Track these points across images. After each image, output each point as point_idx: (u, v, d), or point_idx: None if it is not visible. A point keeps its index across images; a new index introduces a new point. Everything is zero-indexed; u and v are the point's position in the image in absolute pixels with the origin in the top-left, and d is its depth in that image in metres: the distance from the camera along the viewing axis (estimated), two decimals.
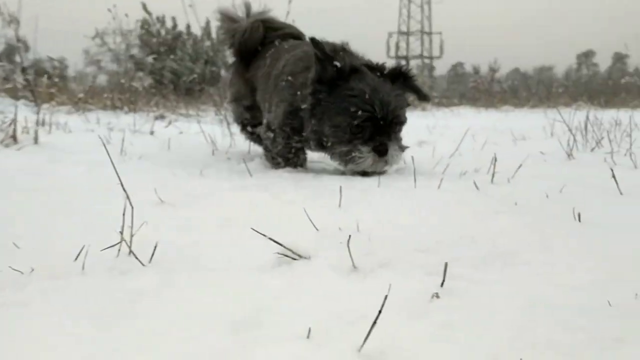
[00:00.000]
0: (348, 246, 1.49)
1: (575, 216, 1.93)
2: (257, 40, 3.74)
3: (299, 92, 3.00)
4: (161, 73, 15.39)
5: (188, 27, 16.60)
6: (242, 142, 4.28)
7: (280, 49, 3.52)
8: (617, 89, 17.66)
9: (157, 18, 16.37)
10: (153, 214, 1.95)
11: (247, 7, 3.89)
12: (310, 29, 3.82)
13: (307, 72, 2.96)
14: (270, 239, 1.55)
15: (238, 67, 3.92)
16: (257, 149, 4.21)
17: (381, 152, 2.82)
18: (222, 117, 8.37)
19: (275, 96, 3.17)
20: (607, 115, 7.47)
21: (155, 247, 1.53)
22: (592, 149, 3.90)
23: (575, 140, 3.91)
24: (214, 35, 16.24)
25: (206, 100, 11.24)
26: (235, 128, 4.21)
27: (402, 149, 2.95)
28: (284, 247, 1.55)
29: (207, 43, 16.46)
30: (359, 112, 2.76)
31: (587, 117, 4.46)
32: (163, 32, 16.35)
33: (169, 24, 16.38)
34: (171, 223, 1.89)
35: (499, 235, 1.73)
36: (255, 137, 3.85)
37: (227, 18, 3.92)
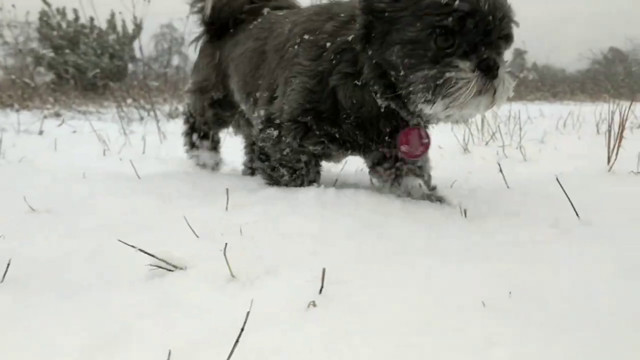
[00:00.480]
0: (225, 254, 1.40)
1: (461, 211, 1.94)
2: (237, 7, 2.79)
3: (325, 52, 2.07)
4: (64, 68, 14.57)
5: (91, 19, 15.80)
6: (137, 141, 4.08)
7: (273, 18, 2.59)
8: (517, 84, 18.56)
9: (57, 10, 15.49)
10: (21, 224, 1.78)
11: None
12: None
13: (333, 23, 2.12)
14: (140, 249, 1.44)
15: (207, 46, 2.96)
16: (153, 149, 4.03)
17: (491, 69, 1.77)
18: (124, 114, 8.10)
19: (282, 73, 2.23)
20: (506, 108, 7.83)
21: (9, 264, 1.37)
22: (487, 143, 4.02)
23: (471, 134, 4.02)
24: (119, 28, 15.58)
25: (109, 96, 10.75)
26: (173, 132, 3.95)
27: (513, 78, 1.91)
28: (156, 257, 1.44)
29: (113, 36, 15.74)
30: (454, 4, 1.73)
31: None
32: (64, 24, 15.47)
33: (70, 16, 15.53)
34: (39, 234, 1.73)
35: (388, 237, 1.69)
36: (209, 152, 3.08)
37: None
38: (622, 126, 2.81)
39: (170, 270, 1.44)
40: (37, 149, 3.73)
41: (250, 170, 3.01)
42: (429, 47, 1.78)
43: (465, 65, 1.76)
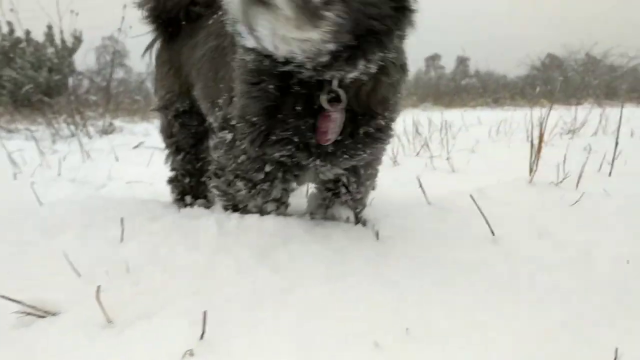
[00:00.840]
0: (98, 298, 1.26)
1: (373, 233, 1.85)
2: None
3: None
4: None
5: (27, 32, 15.25)
6: (55, 162, 3.85)
7: None
8: (459, 90, 18.90)
9: None
10: None
11: None
12: None
13: None
14: (3, 296, 1.28)
15: (163, 53, 2.52)
16: (72, 171, 3.81)
17: None
18: (55, 131, 7.77)
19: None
20: (448, 115, 7.91)
21: None
22: (418, 153, 3.98)
23: (402, 145, 3.97)
24: (57, 40, 15.06)
25: (46, 111, 10.31)
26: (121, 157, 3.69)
27: None
28: (24, 304, 1.29)
29: (51, 49, 15.20)
30: None
31: (414, 121, 4.57)
32: None
33: (4, 29, 14.93)
34: None
35: (285, 269, 1.58)
36: (192, 173, 2.49)
37: None
38: (541, 138, 2.80)
39: (41, 316, 1.30)
40: None
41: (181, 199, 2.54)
42: None
43: None
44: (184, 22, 2.40)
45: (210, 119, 2.23)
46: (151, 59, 2.60)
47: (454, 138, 4.55)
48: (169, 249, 1.64)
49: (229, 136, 1.86)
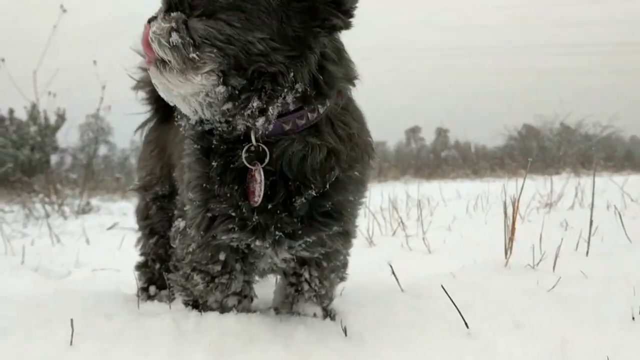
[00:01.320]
0: None
1: (342, 329, 1.75)
2: None
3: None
4: None
5: (11, 111, 15.35)
6: (27, 246, 3.72)
7: None
8: (439, 162, 19.18)
9: None
10: None
11: None
12: None
13: None
14: None
15: (151, 132, 2.53)
16: (37, 257, 3.69)
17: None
18: (29, 211, 7.63)
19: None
20: (428, 188, 7.94)
21: None
22: (394, 233, 3.92)
23: (378, 224, 3.91)
24: (41, 120, 15.14)
25: (20, 191, 10.18)
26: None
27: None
28: None
29: (34, 128, 15.22)
30: None
31: (390, 199, 4.53)
32: None
33: None
34: None
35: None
36: (163, 258, 2.37)
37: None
38: (514, 216, 2.76)
39: None
40: None
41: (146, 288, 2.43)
42: None
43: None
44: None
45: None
46: (139, 136, 2.59)
47: (431, 214, 4.51)
48: (119, 355, 1.52)
49: (182, 224, 1.80)
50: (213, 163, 1.61)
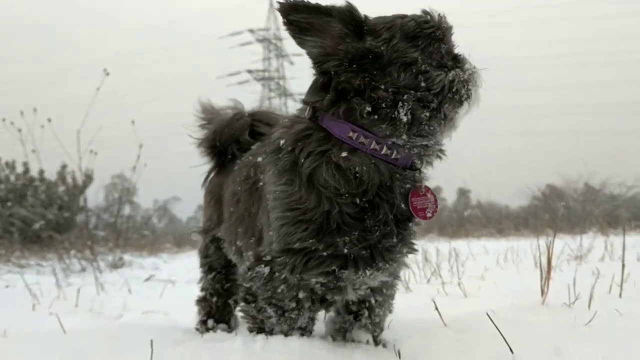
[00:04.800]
0: None
1: (395, 353, 1.89)
2: (236, 131, 2.63)
3: (282, 150, 1.89)
4: (9, 221, 14.27)
5: (41, 172, 15.87)
6: (73, 294, 3.91)
7: (248, 155, 2.42)
8: (462, 221, 19.15)
9: (7, 163, 15.53)
10: None
11: (237, 102, 2.86)
12: None
13: (278, 130, 1.98)
14: None
15: (210, 183, 2.82)
16: (88, 302, 3.88)
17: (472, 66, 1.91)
18: (65, 265, 7.86)
19: (261, 206, 2.04)
20: (454, 245, 8.02)
21: None
22: (429, 280, 4.04)
23: (412, 272, 4.04)
24: (69, 179, 15.60)
25: (52, 248, 10.48)
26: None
27: None
28: None
29: (62, 188, 15.71)
30: (432, 19, 1.86)
31: (421, 250, 4.67)
32: (13, 177, 15.44)
33: (19, 169, 15.54)
34: None
35: None
36: (220, 293, 2.64)
37: (207, 108, 2.88)
38: (549, 260, 2.89)
39: None
40: None
41: (204, 322, 2.64)
42: (433, 58, 1.81)
43: (467, 64, 1.88)
44: (229, 157, 2.67)
45: (230, 256, 2.48)
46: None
47: (462, 266, 4.62)
48: None
49: (266, 270, 1.93)
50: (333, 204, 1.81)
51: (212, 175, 2.82)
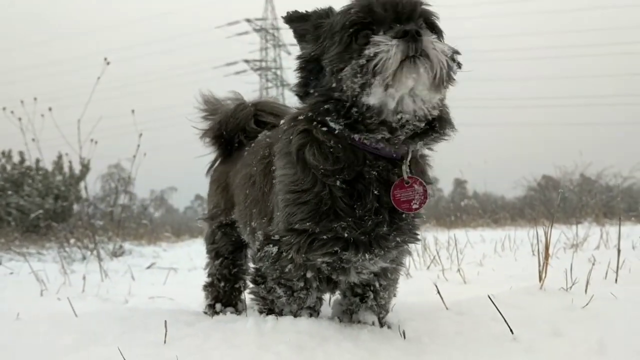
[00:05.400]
0: None
1: (400, 333, 1.97)
2: (242, 120, 2.74)
3: (285, 137, 2.03)
4: (5, 210, 14.30)
5: (37, 161, 15.87)
6: (78, 281, 3.97)
7: (260, 140, 2.49)
8: (459, 211, 19.25)
9: (3, 153, 15.54)
10: None
11: (237, 94, 2.97)
12: None
13: (286, 120, 2.11)
14: None
15: (215, 171, 2.92)
16: (93, 288, 3.94)
17: (408, 32, 1.68)
18: (66, 254, 7.91)
19: (272, 190, 2.11)
20: (451, 235, 8.09)
21: None
22: (428, 267, 4.12)
23: (412, 259, 4.11)
24: (66, 169, 15.63)
25: (52, 237, 10.53)
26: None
27: (452, 51, 1.79)
28: None
29: (59, 177, 15.73)
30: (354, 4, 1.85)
31: (422, 238, 4.74)
32: (9, 167, 15.45)
33: (16, 158, 15.55)
34: None
35: None
36: (227, 278, 2.71)
37: (210, 100, 2.97)
38: (547, 247, 2.96)
39: None
40: None
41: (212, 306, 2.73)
42: (352, 47, 1.80)
43: (381, 37, 1.73)
44: (235, 146, 2.77)
45: (243, 236, 2.53)
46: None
47: (461, 253, 4.69)
48: (213, 348, 1.75)
49: (274, 249, 2.02)
50: (332, 185, 1.90)
51: (216, 164, 2.91)
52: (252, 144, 2.55)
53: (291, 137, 1.98)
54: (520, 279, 3.31)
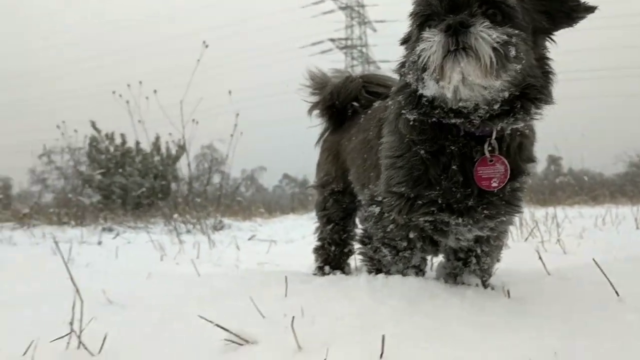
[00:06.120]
0: (293, 328, 1.56)
1: (505, 292, 2.07)
2: (352, 91, 2.91)
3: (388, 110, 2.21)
4: (110, 189, 15.36)
5: (137, 143, 16.82)
6: (189, 249, 4.32)
7: (377, 108, 2.61)
8: (554, 188, 18.59)
9: (106, 135, 16.59)
10: (102, 312, 1.97)
11: (342, 70, 3.19)
12: None
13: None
14: (217, 325, 1.61)
15: (326, 141, 3.09)
16: (205, 255, 4.27)
17: (451, 26, 1.74)
18: (172, 227, 8.48)
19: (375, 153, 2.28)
20: (545, 212, 7.93)
21: (105, 337, 1.56)
22: (526, 239, 4.13)
23: (510, 232, 4.14)
24: (163, 150, 16.45)
25: (155, 213, 11.27)
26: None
27: (506, 35, 1.76)
28: (231, 332, 1.61)
29: (157, 158, 16.63)
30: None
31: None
32: (112, 148, 16.48)
33: (118, 140, 16.57)
34: (119, 319, 1.92)
35: (436, 316, 1.83)
36: (337, 242, 2.90)
37: (317, 75, 3.14)
38: None
39: (241, 344, 1.60)
40: (99, 257, 4.02)
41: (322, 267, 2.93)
42: (411, 41, 2.00)
43: (429, 33, 1.82)
44: (348, 115, 2.93)
45: (360, 197, 2.65)
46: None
47: (559, 227, 4.65)
48: (330, 301, 1.93)
49: (377, 209, 2.20)
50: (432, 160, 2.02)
51: (326, 134, 3.10)
52: (368, 112, 2.71)
53: (392, 107, 2.16)
54: (623, 250, 3.28)
